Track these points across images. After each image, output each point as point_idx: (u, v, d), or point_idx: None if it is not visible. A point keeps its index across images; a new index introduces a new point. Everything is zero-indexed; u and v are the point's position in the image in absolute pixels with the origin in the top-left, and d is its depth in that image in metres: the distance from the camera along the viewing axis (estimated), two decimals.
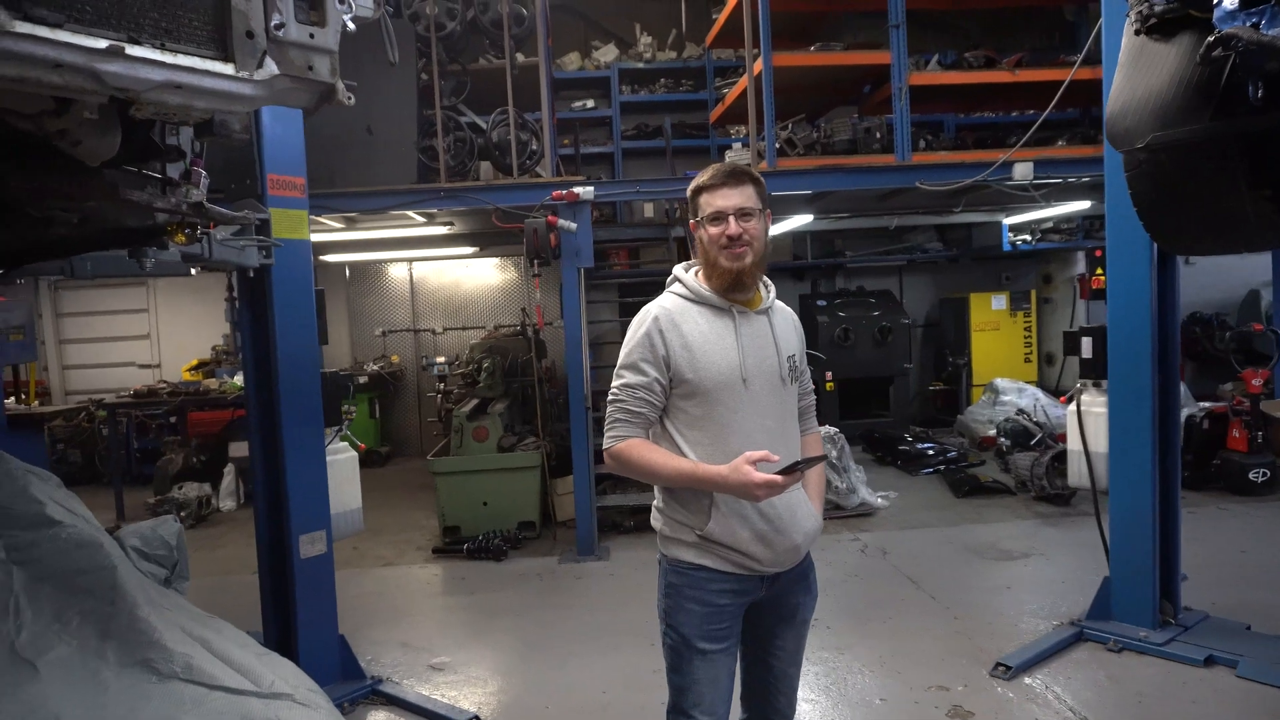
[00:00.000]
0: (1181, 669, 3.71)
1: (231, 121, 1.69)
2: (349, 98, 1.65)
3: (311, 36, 1.55)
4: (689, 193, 2.19)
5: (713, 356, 2.10)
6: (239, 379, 8.46)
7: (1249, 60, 1.98)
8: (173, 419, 9.37)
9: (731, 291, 2.15)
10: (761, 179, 2.16)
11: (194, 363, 9.74)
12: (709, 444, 2.10)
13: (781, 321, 2.25)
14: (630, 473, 2.12)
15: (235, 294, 9.00)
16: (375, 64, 6.23)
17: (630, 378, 2.12)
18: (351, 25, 1.70)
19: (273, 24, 1.47)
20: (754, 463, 1.93)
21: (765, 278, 2.25)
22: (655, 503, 2.26)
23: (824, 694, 3.68)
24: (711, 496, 2.09)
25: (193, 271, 3.74)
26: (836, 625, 4.35)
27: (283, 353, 3.74)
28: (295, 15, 1.52)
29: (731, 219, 2.08)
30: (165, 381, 9.37)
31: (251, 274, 3.68)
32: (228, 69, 1.44)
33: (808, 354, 2.42)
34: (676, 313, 2.14)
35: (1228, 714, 3.35)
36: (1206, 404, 7.05)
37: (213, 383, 8.82)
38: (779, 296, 2.33)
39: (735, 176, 2.12)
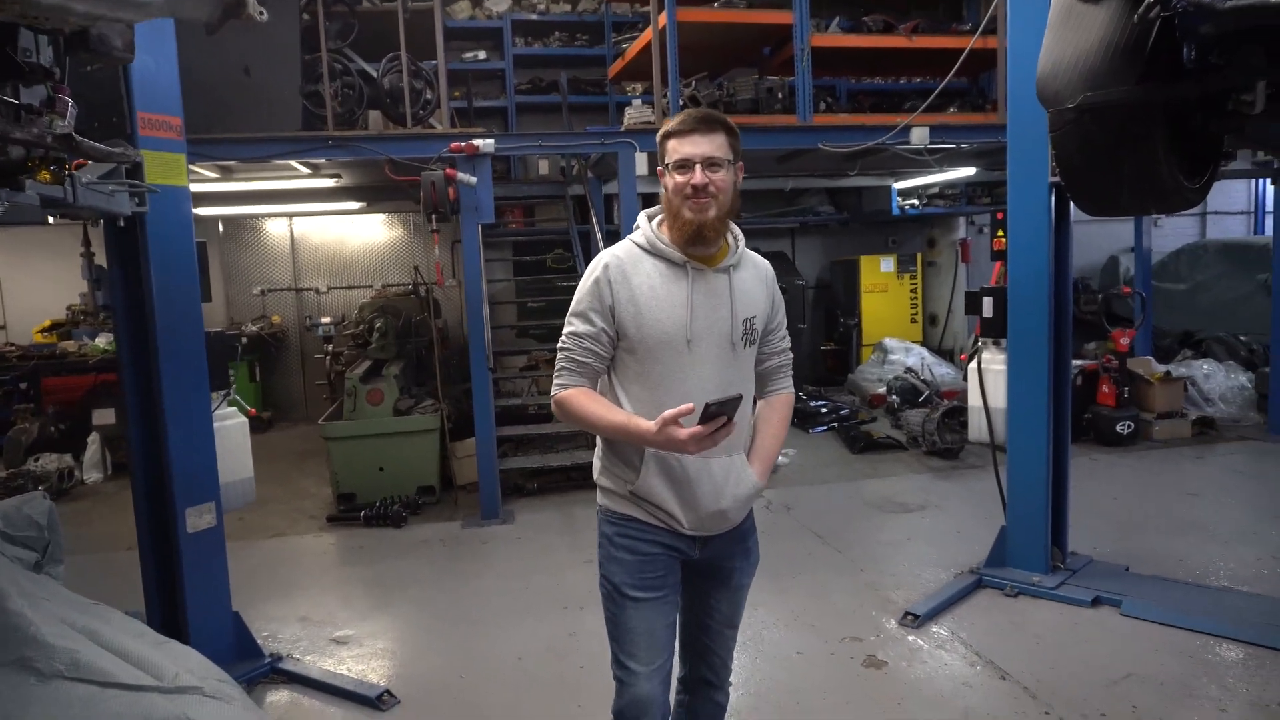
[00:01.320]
0: (1072, 610, 3.93)
1: (112, 36, 1.45)
2: (261, 13, 1.44)
3: None
4: (658, 138, 2.07)
5: (658, 314, 2.02)
6: (101, 340, 7.80)
7: (1187, 21, 2.00)
8: (24, 385, 8.53)
9: (691, 245, 2.04)
10: (736, 129, 2.05)
11: (46, 324, 8.89)
12: (647, 400, 2.05)
13: (746, 279, 2.14)
14: (572, 422, 2.08)
15: (91, 248, 8.28)
16: None
17: (578, 326, 2.05)
18: None
19: None
20: (678, 418, 1.86)
21: (735, 230, 2.15)
22: (596, 452, 2.22)
23: (742, 650, 3.70)
24: (643, 452, 2.06)
25: (50, 220, 3.33)
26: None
27: (161, 311, 3.40)
28: None
29: (698, 168, 1.97)
30: (13, 344, 8.55)
31: (122, 223, 3.31)
32: None
33: None
34: (629, 263, 2.05)
35: (1115, 649, 3.56)
36: (1078, 362, 7.47)
37: (70, 345, 8.11)
38: None
39: (707, 123, 2.00)
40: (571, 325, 2.06)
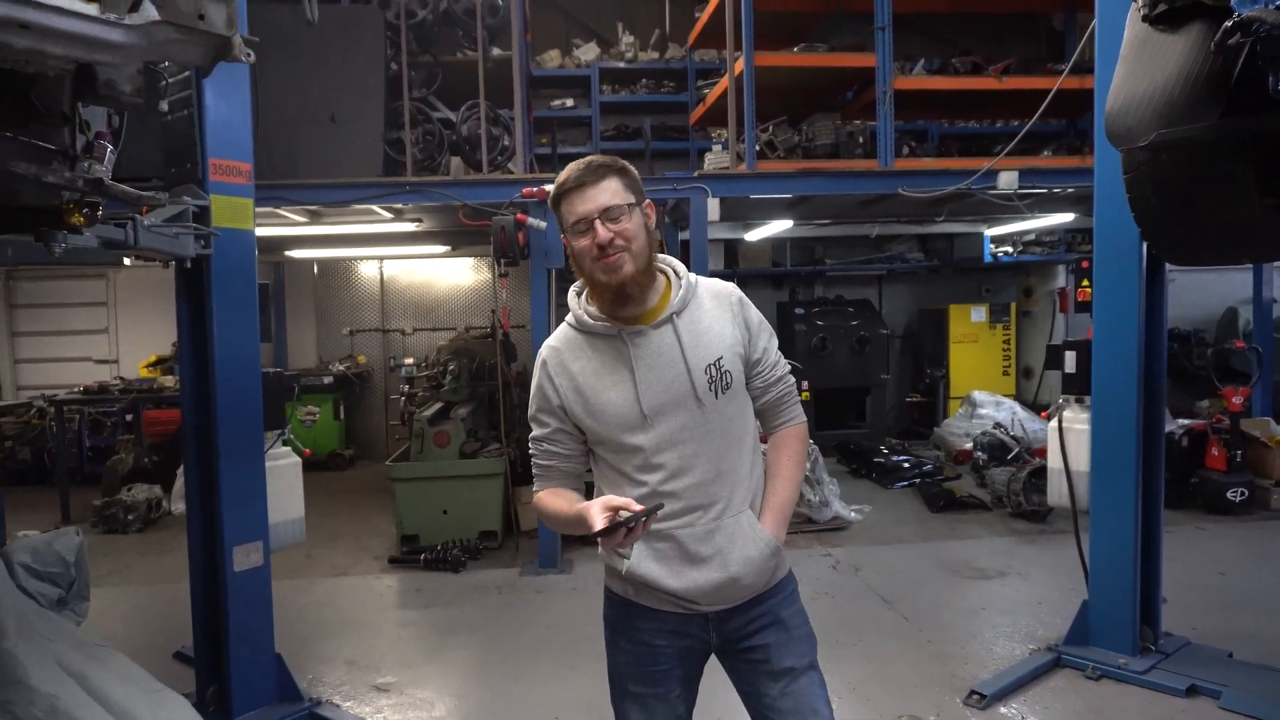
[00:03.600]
0: (1163, 699, 3.54)
1: (118, 81, 1.46)
2: (248, 54, 1.43)
3: None
4: (549, 202, 1.90)
5: (606, 395, 1.85)
6: None
7: (1270, 48, 1.79)
8: (129, 417, 9.02)
9: (619, 307, 1.86)
10: (629, 167, 1.86)
11: (152, 359, 9.39)
12: (628, 489, 1.86)
13: (700, 319, 1.90)
14: (551, 526, 1.97)
15: None
16: (341, 51, 6.04)
17: (535, 430, 1.95)
18: None
19: None
20: (615, 509, 1.66)
21: (674, 266, 1.94)
22: None
23: None
24: None
25: (126, 261, 3.48)
26: None
27: (220, 350, 3.48)
28: None
29: (597, 223, 1.78)
30: (120, 378, 9.04)
31: (189, 264, 3.42)
32: (90, 9, 1.21)
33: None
34: (566, 351, 1.91)
35: None
36: (1185, 421, 6.92)
37: (170, 380, 8.50)
38: (754, 299, 2.02)
39: (592, 172, 1.81)
40: (531, 429, 1.96)
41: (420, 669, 4.18)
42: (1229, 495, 6.26)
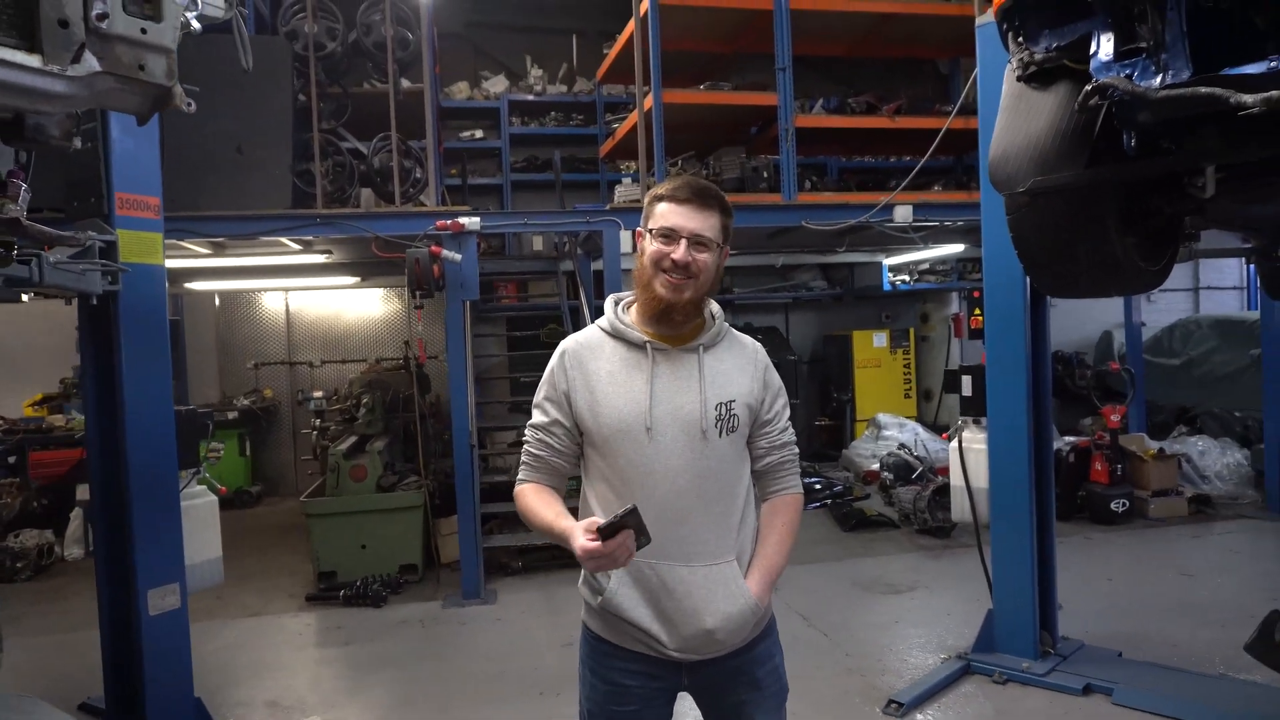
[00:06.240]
0: (1062, 698, 3.79)
1: (48, 125, 1.47)
2: (189, 104, 1.46)
3: (144, 31, 1.35)
4: (647, 199, 1.91)
5: (614, 400, 1.84)
6: None
7: (1123, 110, 2.03)
8: (12, 459, 8.49)
9: (657, 324, 1.89)
10: (731, 210, 1.90)
11: (38, 397, 8.89)
12: (613, 501, 1.82)
13: (723, 360, 1.92)
14: (526, 521, 1.90)
15: None
16: (248, 82, 5.93)
17: (535, 417, 1.93)
18: (197, 25, 1.51)
19: (94, 13, 1.27)
20: (598, 530, 1.61)
21: (714, 307, 1.98)
22: None
23: None
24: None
25: (25, 298, 3.35)
26: None
27: (130, 388, 3.40)
28: (124, 6, 1.32)
29: (683, 243, 1.81)
30: (1, 418, 8.53)
31: (94, 301, 3.33)
32: (33, 60, 1.23)
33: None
34: (589, 346, 1.92)
35: None
36: (1071, 438, 7.40)
37: (58, 419, 8.09)
38: None
39: (703, 197, 1.83)
40: (532, 415, 1.94)
41: (344, 707, 4.10)
42: (1112, 506, 6.72)
